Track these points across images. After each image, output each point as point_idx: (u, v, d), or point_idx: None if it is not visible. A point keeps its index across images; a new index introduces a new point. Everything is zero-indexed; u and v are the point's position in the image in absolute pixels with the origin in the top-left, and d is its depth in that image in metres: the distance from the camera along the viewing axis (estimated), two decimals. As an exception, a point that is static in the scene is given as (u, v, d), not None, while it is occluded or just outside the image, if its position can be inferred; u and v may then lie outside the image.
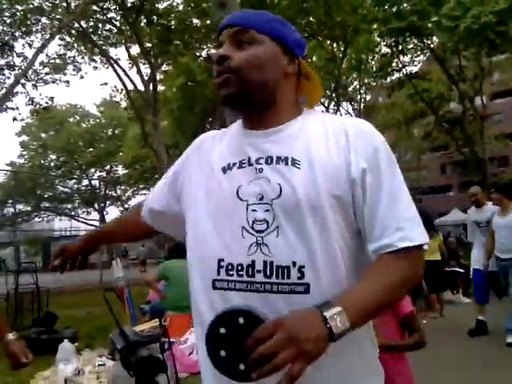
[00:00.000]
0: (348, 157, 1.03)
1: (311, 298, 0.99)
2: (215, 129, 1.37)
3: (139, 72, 17.55)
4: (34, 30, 16.13)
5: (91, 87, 59.57)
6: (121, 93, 21.20)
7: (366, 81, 24.78)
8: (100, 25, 17.18)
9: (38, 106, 16.86)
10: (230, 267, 1.04)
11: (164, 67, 19.40)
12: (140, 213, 1.38)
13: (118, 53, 71.85)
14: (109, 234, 1.57)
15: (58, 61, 17.88)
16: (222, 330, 0.89)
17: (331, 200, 1.02)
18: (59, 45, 17.39)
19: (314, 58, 20.59)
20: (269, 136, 1.10)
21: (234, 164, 1.10)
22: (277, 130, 1.11)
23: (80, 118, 37.26)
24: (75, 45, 17.81)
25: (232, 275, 1.04)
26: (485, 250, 5.31)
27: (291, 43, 1.11)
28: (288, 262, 1.01)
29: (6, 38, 15.52)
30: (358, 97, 25.83)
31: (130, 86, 17.88)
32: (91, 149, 35.94)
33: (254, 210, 1.04)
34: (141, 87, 17.34)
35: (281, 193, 1.03)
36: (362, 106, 25.83)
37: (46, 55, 16.92)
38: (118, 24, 17.07)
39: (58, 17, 15.73)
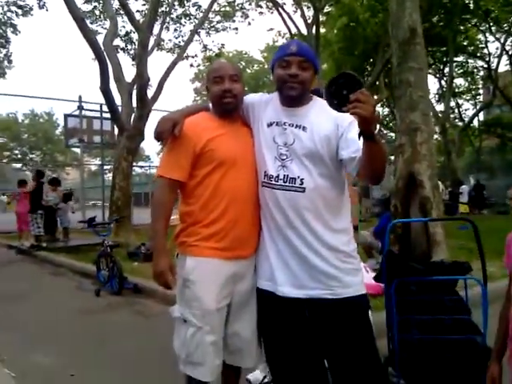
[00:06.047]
0: (335, 124, 1.97)
1: (306, 195, 1.97)
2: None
3: (303, 15, 17.80)
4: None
5: (256, 33, 61.42)
6: (283, 37, 21.71)
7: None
8: (267, -32, 17.52)
9: (210, 53, 18.30)
10: (268, 176, 2.04)
11: (326, 9, 19.26)
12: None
13: (283, -3, 71.85)
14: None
15: (227, 8, 18.89)
16: (341, 80, 1.68)
17: (321, 147, 1.97)
18: (229, -9, 18.27)
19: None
20: (294, 111, 2.06)
21: (273, 123, 2.08)
22: (298, 109, 2.06)
23: (246, 64, 39.14)
24: (243, -10, 18.50)
25: (269, 180, 2.04)
26: None
27: (317, 67, 2.09)
28: (295, 175, 1.99)
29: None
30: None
31: (294, 31, 18.34)
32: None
33: (281, 149, 2.03)
34: (304, 31, 17.63)
35: (293, 143, 2.01)
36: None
37: (217, 3, 17.87)
38: (283, -33, 17.27)
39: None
